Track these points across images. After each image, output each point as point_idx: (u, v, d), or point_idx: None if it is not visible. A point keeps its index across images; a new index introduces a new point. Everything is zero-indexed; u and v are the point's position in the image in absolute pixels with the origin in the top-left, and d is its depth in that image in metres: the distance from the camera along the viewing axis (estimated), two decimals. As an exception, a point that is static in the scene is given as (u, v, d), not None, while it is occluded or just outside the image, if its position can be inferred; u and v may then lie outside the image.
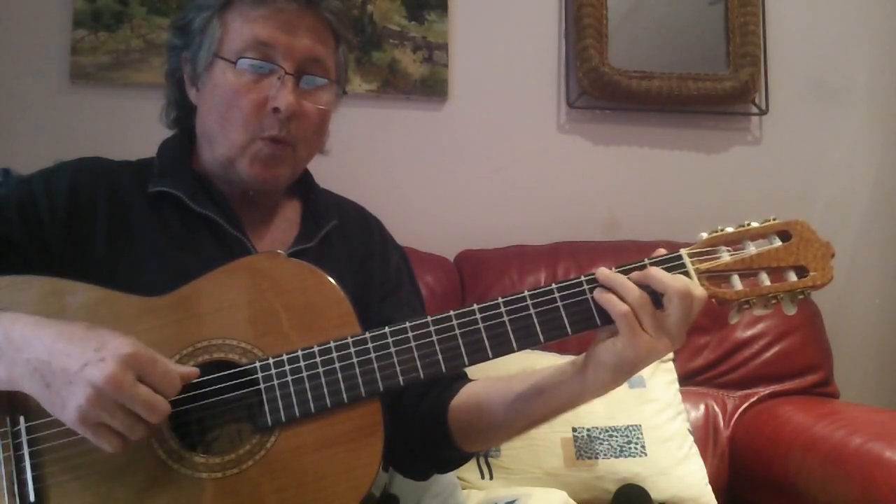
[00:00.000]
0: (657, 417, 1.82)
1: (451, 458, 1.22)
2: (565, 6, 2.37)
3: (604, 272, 0.99)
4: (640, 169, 2.40)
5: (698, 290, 0.97)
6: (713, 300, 1.00)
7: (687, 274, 0.99)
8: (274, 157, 1.17)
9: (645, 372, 1.88)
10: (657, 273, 0.97)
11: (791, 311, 1.02)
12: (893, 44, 2.54)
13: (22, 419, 0.94)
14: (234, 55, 1.14)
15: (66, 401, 0.88)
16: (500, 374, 1.19)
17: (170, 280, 1.02)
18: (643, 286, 0.97)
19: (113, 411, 0.87)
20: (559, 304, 0.99)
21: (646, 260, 1.00)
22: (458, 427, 1.15)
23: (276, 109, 1.13)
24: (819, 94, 2.49)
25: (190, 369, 0.95)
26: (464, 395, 1.17)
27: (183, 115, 1.27)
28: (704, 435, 1.98)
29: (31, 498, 0.92)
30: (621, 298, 0.96)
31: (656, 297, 0.96)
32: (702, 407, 2.02)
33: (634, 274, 0.98)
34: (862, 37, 2.53)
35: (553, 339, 0.99)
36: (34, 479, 0.93)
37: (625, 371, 0.99)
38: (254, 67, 1.14)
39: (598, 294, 0.97)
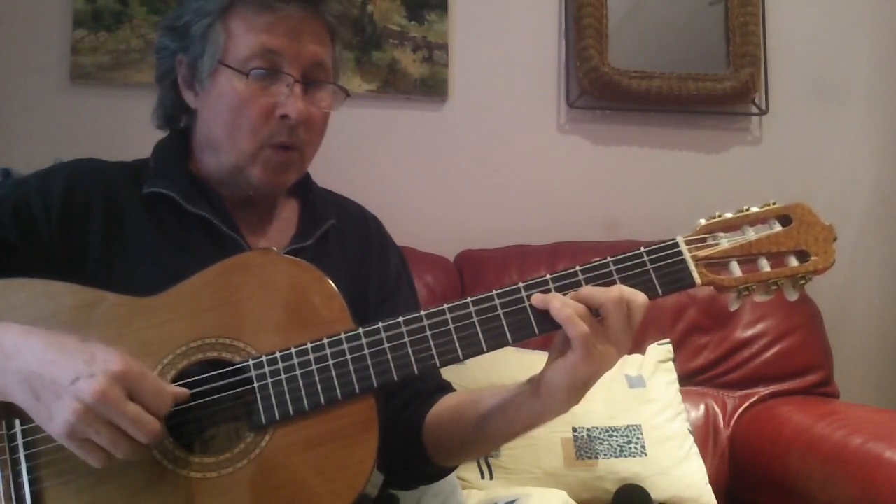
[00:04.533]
0: (657, 417, 1.82)
1: (431, 473, 1.23)
2: (565, 6, 2.37)
3: (539, 297, 0.97)
4: (640, 169, 2.40)
5: (637, 296, 0.96)
6: (712, 287, 0.99)
7: (683, 262, 0.99)
8: (284, 164, 1.18)
9: (645, 372, 1.89)
10: (587, 291, 0.96)
11: (793, 296, 1.00)
12: (893, 44, 2.54)
13: (17, 422, 0.94)
14: (242, 64, 1.14)
15: (53, 414, 0.87)
16: (472, 389, 1.21)
17: (165, 281, 1.02)
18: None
19: (99, 427, 0.87)
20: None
21: (642, 248, 1.00)
22: (431, 444, 1.16)
23: (284, 116, 1.14)
24: (819, 94, 2.48)
25: (181, 390, 0.95)
26: (436, 413, 1.17)
27: (175, 115, 1.27)
28: (704, 435, 1.98)
29: (28, 500, 0.92)
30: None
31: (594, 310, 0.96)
32: (702, 407, 2.02)
33: (570, 295, 0.97)
34: (862, 37, 2.52)
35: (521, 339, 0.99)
36: (30, 481, 0.93)
37: (578, 388, 0.98)
38: (263, 76, 1.14)
39: (557, 313, 0.95)
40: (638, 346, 1.95)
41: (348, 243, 1.29)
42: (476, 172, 2.33)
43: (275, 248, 1.06)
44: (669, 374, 1.92)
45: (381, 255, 1.32)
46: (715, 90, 2.36)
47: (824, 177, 2.48)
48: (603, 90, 2.32)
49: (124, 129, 2.01)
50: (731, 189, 2.40)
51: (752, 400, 2.03)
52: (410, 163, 2.30)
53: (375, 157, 2.27)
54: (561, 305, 0.95)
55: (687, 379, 2.00)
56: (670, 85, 2.34)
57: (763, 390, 2.04)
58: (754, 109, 2.44)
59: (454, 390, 1.24)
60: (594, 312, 0.95)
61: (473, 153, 2.33)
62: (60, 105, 2.13)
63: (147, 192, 1.17)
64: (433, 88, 2.30)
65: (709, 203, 2.32)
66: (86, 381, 0.86)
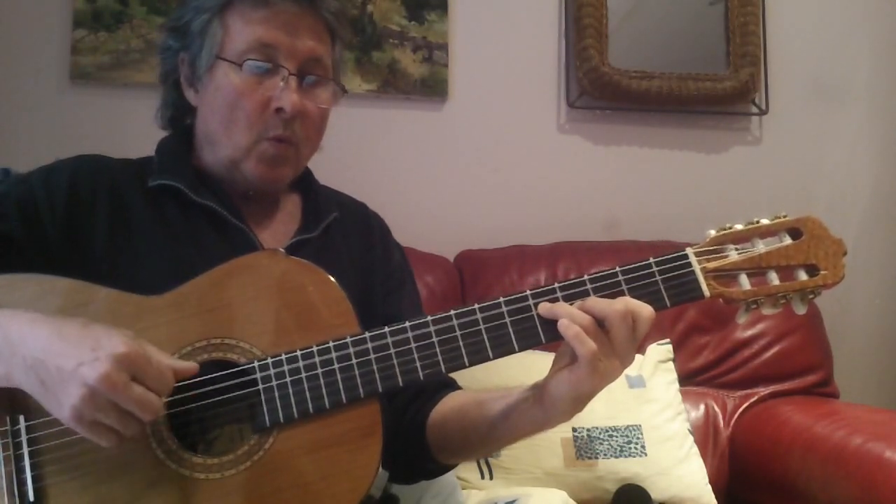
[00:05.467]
0: (657, 417, 1.82)
1: (433, 470, 1.23)
2: (565, 6, 2.37)
3: (546, 307, 0.97)
4: (640, 169, 2.40)
5: (643, 308, 0.95)
6: (720, 300, 0.99)
7: (693, 273, 0.98)
8: (279, 158, 1.18)
9: (645, 372, 1.89)
10: (593, 302, 0.96)
11: (801, 310, 1.00)
12: (893, 44, 2.54)
13: (22, 418, 0.94)
14: (238, 57, 1.15)
15: (61, 400, 0.88)
16: (477, 390, 1.21)
17: (171, 273, 1.02)
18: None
19: (107, 410, 0.87)
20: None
21: (651, 259, 0.99)
22: (434, 443, 1.17)
23: (280, 110, 1.14)
24: (819, 94, 2.48)
25: (189, 364, 0.95)
26: (440, 413, 1.18)
27: (179, 115, 1.28)
28: (704, 435, 1.98)
29: (31, 497, 0.92)
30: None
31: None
32: (702, 407, 2.02)
33: (576, 304, 0.97)
34: (862, 37, 2.53)
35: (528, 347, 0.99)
36: (33, 478, 0.93)
37: (582, 400, 0.98)
38: (258, 69, 1.15)
39: (565, 330, 0.95)
40: (638, 347, 1.95)
41: (351, 237, 1.29)
42: (476, 172, 2.33)
43: (282, 249, 1.06)
44: (669, 374, 1.92)
45: (384, 250, 1.33)
46: (715, 90, 2.37)
47: (824, 177, 2.48)
48: (603, 90, 2.32)
49: (124, 129, 2.01)
50: (731, 189, 2.41)
51: (752, 400, 2.03)
52: (410, 163, 2.30)
53: (375, 157, 2.26)
54: (568, 322, 0.95)
55: (687, 379, 2.01)
56: (670, 85, 2.34)
57: (763, 390, 2.04)
58: (754, 109, 2.45)
59: (458, 387, 1.24)
60: (599, 324, 0.95)
61: (473, 153, 2.33)
62: (60, 105, 2.13)
63: (153, 184, 1.17)
64: (433, 88, 2.30)
65: (709, 203, 2.37)
66: (90, 365, 0.86)
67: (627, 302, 0.95)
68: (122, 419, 0.88)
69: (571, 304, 0.97)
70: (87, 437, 0.90)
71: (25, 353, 0.90)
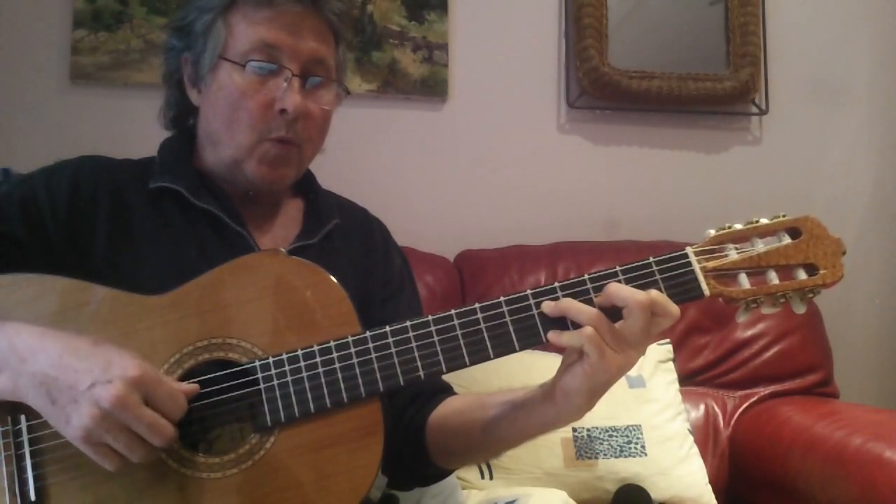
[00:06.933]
0: (657, 417, 1.82)
1: (431, 474, 1.22)
2: (565, 6, 2.37)
3: (549, 305, 0.97)
4: (640, 169, 2.40)
5: (662, 297, 0.95)
6: (720, 299, 0.99)
7: (693, 272, 0.98)
8: (281, 158, 1.18)
9: (645, 372, 1.89)
10: (617, 288, 0.95)
11: (800, 309, 1.00)
12: (893, 44, 2.54)
13: (23, 418, 0.94)
14: (241, 57, 1.15)
15: (70, 418, 0.88)
16: (478, 393, 1.20)
17: (171, 275, 1.02)
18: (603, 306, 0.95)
19: (116, 433, 0.87)
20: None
21: (651, 258, 0.99)
22: (434, 445, 1.16)
23: (283, 111, 1.14)
24: (819, 94, 2.49)
25: (192, 387, 0.95)
26: (440, 415, 1.17)
27: (181, 115, 1.28)
28: (704, 435, 1.98)
29: (32, 497, 0.92)
30: (577, 322, 0.95)
31: (610, 312, 0.95)
32: (702, 407, 2.02)
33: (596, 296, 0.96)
34: (862, 37, 2.53)
35: (529, 346, 0.99)
36: (35, 477, 0.93)
37: (598, 393, 0.98)
38: (261, 69, 1.15)
39: (554, 336, 0.95)
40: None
41: (352, 242, 1.29)
42: (476, 172, 2.33)
43: (283, 249, 1.06)
44: (669, 374, 1.92)
45: (384, 255, 1.33)
46: (715, 90, 2.37)
47: (824, 177, 2.48)
48: (603, 90, 2.32)
49: (124, 129, 2.01)
50: (731, 189, 2.41)
51: (752, 400, 2.03)
52: (410, 163, 2.30)
53: (375, 157, 2.27)
54: (579, 333, 0.94)
55: (687, 379, 2.01)
56: (670, 85, 2.34)
57: (763, 390, 2.04)
58: (754, 109, 2.45)
59: (455, 393, 1.24)
60: (609, 314, 0.95)
61: (473, 153, 2.33)
62: (60, 105, 2.13)
63: (153, 186, 1.17)
64: (433, 88, 2.30)
65: (709, 203, 2.37)
66: (103, 386, 0.86)
67: (652, 294, 0.94)
68: (129, 443, 0.88)
69: (597, 296, 0.96)
70: (92, 457, 0.89)
71: (35, 368, 0.90)
